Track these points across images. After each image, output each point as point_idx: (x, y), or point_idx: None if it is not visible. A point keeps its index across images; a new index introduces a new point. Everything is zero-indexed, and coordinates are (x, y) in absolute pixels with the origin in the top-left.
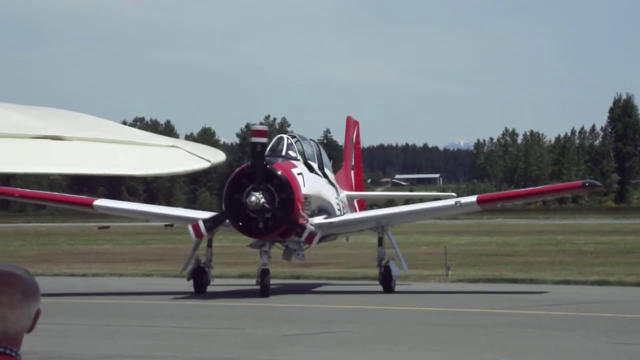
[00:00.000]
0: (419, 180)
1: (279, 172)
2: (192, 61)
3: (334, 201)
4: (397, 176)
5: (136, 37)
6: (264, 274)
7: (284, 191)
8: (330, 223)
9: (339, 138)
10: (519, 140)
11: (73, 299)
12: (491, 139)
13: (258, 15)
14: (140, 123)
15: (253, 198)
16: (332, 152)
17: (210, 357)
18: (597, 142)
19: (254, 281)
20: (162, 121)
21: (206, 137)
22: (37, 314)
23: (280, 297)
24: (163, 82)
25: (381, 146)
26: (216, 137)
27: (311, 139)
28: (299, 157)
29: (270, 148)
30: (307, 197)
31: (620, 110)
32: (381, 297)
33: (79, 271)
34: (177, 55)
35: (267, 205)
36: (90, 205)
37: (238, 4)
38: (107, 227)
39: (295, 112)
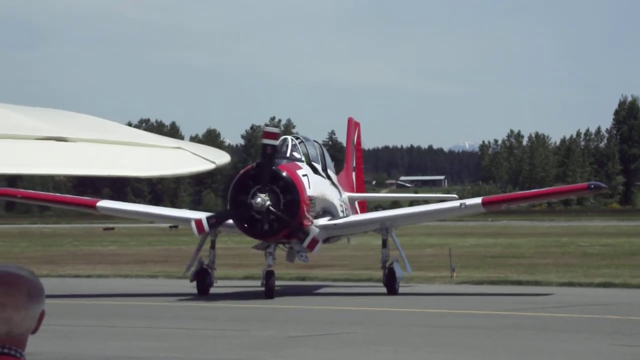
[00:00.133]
0: (424, 182)
1: (284, 174)
2: (197, 63)
3: (337, 203)
4: (402, 178)
5: (142, 38)
6: (269, 276)
7: (289, 193)
8: (335, 224)
9: (344, 139)
10: (524, 142)
11: (78, 300)
12: (496, 140)
13: (261, 17)
14: (145, 124)
15: (259, 199)
16: (337, 154)
17: (216, 359)
18: (602, 144)
19: (258, 283)
20: (167, 122)
21: (211, 138)
22: (42, 315)
23: (285, 299)
24: (168, 84)
25: (386, 148)
26: (221, 138)
27: (314, 140)
28: (303, 158)
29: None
30: (312, 199)
31: (626, 112)
32: (385, 299)
33: (84, 272)
34: (182, 57)
35: (271, 208)
36: (93, 206)
37: (242, 5)
38: (112, 228)
39: (300, 113)
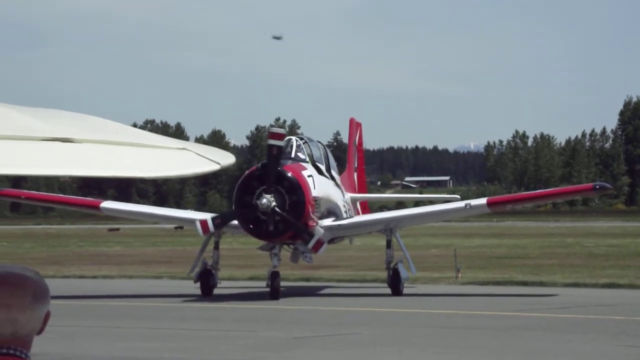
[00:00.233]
0: (429, 183)
1: (290, 174)
2: (202, 64)
3: (341, 203)
4: (407, 178)
5: (147, 40)
6: (274, 277)
7: (294, 193)
8: (340, 225)
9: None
10: (529, 142)
11: (83, 301)
12: (501, 141)
13: (266, 18)
14: (150, 125)
15: (264, 200)
16: (342, 155)
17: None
18: (607, 145)
19: (264, 283)
20: (172, 123)
21: (216, 139)
22: (47, 316)
23: (290, 300)
24: (173, 85)
25: (391, 148)
26: (226, 139)
27: (318, 141)
28: (307, 159)
29: None
30: (316, 200)
31: (631, 112)
32: (391, 300)
33: (89, 273)
34: (188, 58)
35: (277, 209)
36: (97, 207)
37: (247, 7)
38: (117, 229)
39: (305, 114)
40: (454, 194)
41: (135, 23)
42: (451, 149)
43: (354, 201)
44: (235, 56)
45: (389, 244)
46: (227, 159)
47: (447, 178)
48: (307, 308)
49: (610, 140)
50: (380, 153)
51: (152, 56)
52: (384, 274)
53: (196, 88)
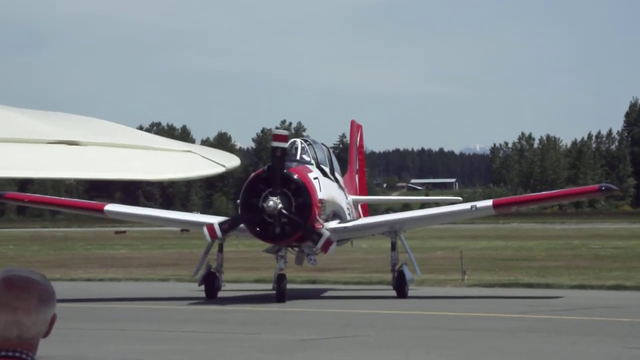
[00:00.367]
0: (435, 185)
1: (296, 176)
2: (208, 66)
3: (344, 206)
4: (413, 181)
5: (153, 43)
6: (281, 279)
7: (300, 196)
8: (345, 228)
9: None
10: (535, 144)
11: (89, 304)
12: (506, 143)
13: (272, 21)
14: (156, 128)
15: (271, 203)
16: (348, 157)
17: None
18: (613, 147)
19: (270, 286)
20: (178, 126)
21: (222, 142)
22: (53, 319)
23: (297, 302)
24: (179, 88)
25: (397, 151)
26: (232, 142)
27: (322, 143)
28: (312, 161)
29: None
30: (322, 202)
31: (637, 114)
32: (397, 302)
33: (96, 276)
34: (193, 61)
35: (284, 211)
36: (101, 210)
37: (253, 10)
38: (124, 232)
39: (311, 116)
40: (460, 196)
41: (142, 25)
42: (457, 151)
43: (355, 203)
44: (241, 58)
45: (393, 247)
46: (232, 161)
47: (453, 180)
48: (313, 310)
49: (616, 141)
50: (386, 155)
51: (159, 59)
52: (390, 277)
53: (202, 91)
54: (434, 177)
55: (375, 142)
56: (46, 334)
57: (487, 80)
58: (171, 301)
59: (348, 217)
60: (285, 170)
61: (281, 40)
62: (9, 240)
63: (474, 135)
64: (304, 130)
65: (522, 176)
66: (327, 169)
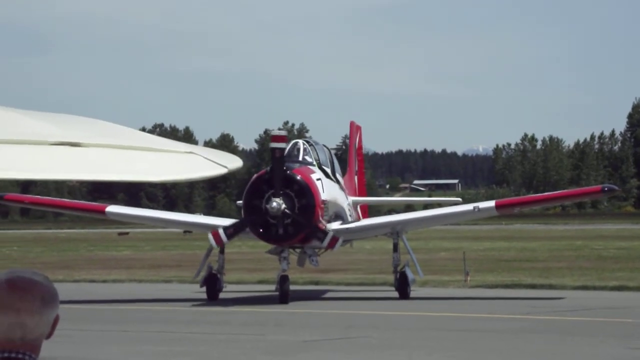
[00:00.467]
0: (438, 186)
1: (299, 177)
2: (211, 68)
3: (346, 207)
4: (416, 182)
5: (156, 43)
6: (283, 280)
7: (304, 197)
8: (347, 229)
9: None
10: (538, 145)
11: (92, 305)
12: (509, 144)
13: (275, 22)
14: (159, 129)
15: (274, 204)
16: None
17: None
18: (616, 147)
19: (273, 287)
20: (181, 127)
21: (225, 143)
22: (56, 320)
23: (300, 303)
24: (182, 89)
25: (400, 152)
26: (235, 143)
27: (323, 145)
28: (314, 162)
29: (287, 154)
30: (325, 203)
31: (639, 115)
32: (400, 303)
33: (99, 277)
34: (197, 62)
35: (287, 211)
36: (102, 212)
37: (255, 11)
38: (127, 233)
39: (313, 118)
40: (463, 197)
41: (144, 26)
42: (460, 152)
43: (354, 204)
44: (244, 59)
45: (395, 247)
46: (235, 162)
47: (455, 181)
48: (316, 311)
49: (619, 142)
50: (388, 156)
51: (162, 60)
52: (393, 278)
53: (205, 92)
54: (436, 178)
55: (378, 143)
56: (49, 336)
57: (490, 81)
58: (174, 302)
59: (349, 218)
60: (288, 172)
61: (284, 40)
62: (13, 241)
63: (477, 136)
64: (307, 131)
65: (524, 177)
66: (328, 170)
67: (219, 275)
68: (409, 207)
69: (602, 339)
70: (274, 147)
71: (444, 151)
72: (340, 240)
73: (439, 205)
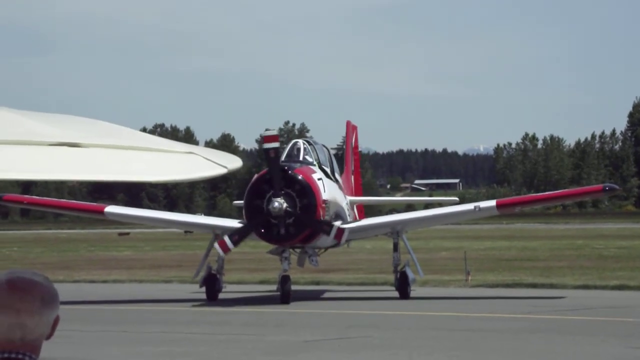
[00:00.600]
0: (439, 186)
1: (300, 177)
2: (211, 68)
3: (345, 207)
4: (417, 181)
5: (156, 44)
6: (285, 281)
7: (305, 196)
8: (348, 229)
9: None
10: (539, 145)
11: (93, 305)
12: (510, 143)
13: (276, 22)
14: (160, 130)
15: (276, 204)
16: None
17: None
18: (617, 147)
19: (274, 287)
20: (181, 127)
21: (226, 143)
22: (56, 321)
23: (300, 303)
24: (183, 89)
25: (400, 151)
26: (236, 143)
27: (323, 144)
28: (314, 162)
29: (287, 154)
30: (326, 202)
31: None
32: (401, 303)
33: (99, 278)
34: (197, 62)
35: (290, 209)
36: (101, 212)
37: (257, 11)
38: (127, 233)
39: (314, 117)
40: (463, 196)
41: (145, 26)
42: (461, 152)
43: (351, 204)
44: (244, 59)
45: (395, 247)
46: (234, 162)
47: (456, 181)
48: (316, 311)
49: (620, 142)
50: (389, 156)
51: (162, 60)
52: (393, 277)
53: (205, 92)
54: (437, 178)
55: (379, 143)
56: (49, 336)
57: (490, 81)
58: (174, 303)
59: (348, 219)
60: (290, 172)
61: (284, 40)
62: (13, 242)
63: (478, 135)
64: (307, 131)
65: (525, 176)
66: (328, 170)
67: (218, 276)
68: (410, 207)
69: (603, 338)
70: (267, 147)
71: (444, 151)
72: (346, 233)
73: (439, 205)
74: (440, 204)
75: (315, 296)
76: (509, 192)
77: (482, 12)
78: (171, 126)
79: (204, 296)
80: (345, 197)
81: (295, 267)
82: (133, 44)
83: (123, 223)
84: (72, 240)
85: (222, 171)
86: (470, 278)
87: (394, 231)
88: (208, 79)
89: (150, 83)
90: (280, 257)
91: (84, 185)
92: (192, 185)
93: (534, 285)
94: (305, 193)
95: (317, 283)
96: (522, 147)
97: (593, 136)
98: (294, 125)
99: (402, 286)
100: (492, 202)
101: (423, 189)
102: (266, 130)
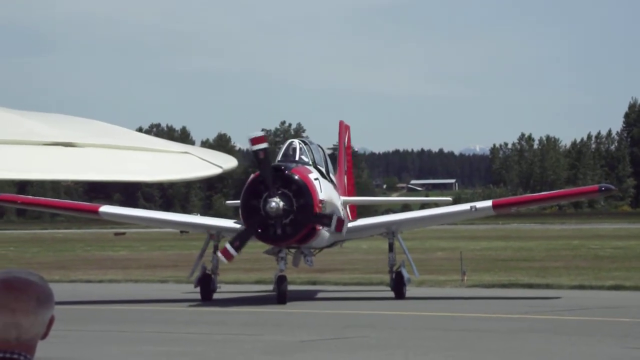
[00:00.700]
0: (435, 186)
1: (297, 177)
2: (208, 68)
3: (340, 207)
4: (413, 181)
5: (153, 44)
6: (281, 281)
7: (302, 196)
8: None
9: (354, 143)
10: (535, 145)
11: (89, 305)
12: (506, 143)
13: (272, 21)
14: (156, 129)
15: (273, 204)
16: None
17: None
18: (613, 147)
19: (270, 287)
20: (178, 127)
21: (222, 143)
22: (52, 320)
23: (297, 303)
24: (179, 89)
25: (397, 151)
26: (232, 143)
27: (318, 144)
28: (310, 162)
29: (283, 153)
30: (323, 202)
31: (636, 114)
32: (397, 303)
33: (95, 278)
34: (193, 62)
35: (287, 207)
36: (96, 212)
37: (253, 10)
38: (123, 233)
39: (310, 117)
40: (459, 196)
41: (141, 26)
42: (457, 152)
43: (345, 204)
44: (241, 59)
45: (391, 248)
46: (230, 162)
47: (452, 181)
48: (313, 311)
49: (616, 142)
50: (385, 156)
51: (158, 59)
52: (389, 278)
53: (202, 92)
54: (433, 178)
55: (375, 142)
56: (44, 336)
57: (487, 81)
58: (171, 303)
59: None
60: (287, 171)
61: (281, 40)
62: (9, 242)
63: (474, 135)
64: (304, 131)
65: (522, 177)
66: (323, 170)
67: (213, 276)
68: (406, 207)
69: (599, 338)
70: (255, 149)
71: (441, 151)
72: (346, 223)
73: (436, 205)
74: (436, 204)
75: (311, 296)
76: (505, 192)
77: (480, 12)
78: (167, 126)
79: (199, 296)
80: (339, 197)
81: (291, 267)
82: (129, 44)
83: (118, 223)
84: (68, 240)
85: (217, 171)
86: (466, 278)
87: (390, 231)
88: (205, 78)
89: (147, 83)
90: (277, 257)
91: (80, 185)
92: (188, 185)
93: (529, 286)
94: (302, 193)
95: (314, 283)
96: (518, 147)
97: (589, 136)
98: (290, 125)
99: (398, 286)
100: (489, 203)
101: (419, 189)
102: (255, 132)
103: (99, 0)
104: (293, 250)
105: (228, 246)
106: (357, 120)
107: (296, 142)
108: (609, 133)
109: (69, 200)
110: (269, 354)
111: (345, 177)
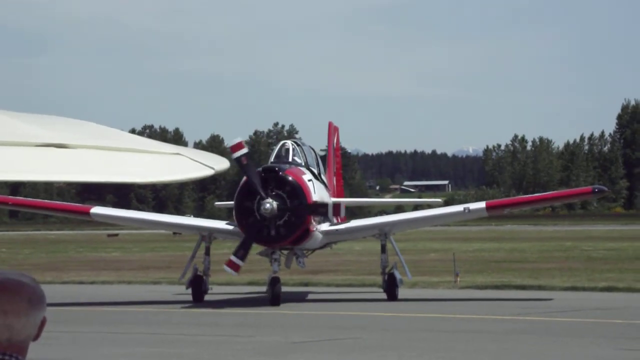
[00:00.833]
0: (428, 187)
1: (290, 178)
2: (201, 69)
3: (331, 208)
4: (406, 183)
5: (146, 45)
6: (274, 282)
7: (296, 197)
8: (337, 230)
9: (347, 145)
10: (528, 146)
11: (82, 307)
12: (499, 145)
13: (265, 24)
14: (149, 131)
15: (267, 205)
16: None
17: None
18: (605, 149)
19: (263, 289)
20: (170, 129)
21: (215, 144)
22: (43, 322)
23: (289, 305)
24: (172, 91)
25: (390, 153)
26: (225, 144)
27: (310, 146)
28: (302, 163)
29: (276, 154)
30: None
31: (629, 116)
32: (390, 304)
33: (88, 279)
34: (186, 64)
35: (282, 207)
36: (87, 213)
37: (245, 12)
38: (116, 234)
39: (303, 119)
40: (452, 198)
41: (134, 29)
42: (450, 153)
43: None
44: (233, 61)
45: (383, 249)
46: (222, 163)
47: (445, 182)
48: (305, 313)
49: (609, 144)
50: (378, 157)
51: (150, 61)
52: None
53: (194, 93)
54: (426, 179)
55: (368, 144)
56: (36, 337)
57: (480, 82)
58: (163, 304)
59: (334, 220)
60: (280, 173)
61: (274, 42)
62: (2, 243)
63: (467, 137)
64: (296, 132)
65: (514, 178)
66: (315, 171)
67: (204, 277)
68: (399, 208)
69: (592, 339)
70: (237, 157)
71: (434, 152)
72: (342, 207)
73: (429, 206)
74: (429, 206)
75: (304, 298)
76: (498, 193)
77: (472, 15)
78: (160, 127)
79: (190, 297)
80: (330, 198)
81: (284, 269)
82: (122, 46)
83: (110, 224)
84: (61, 242)
85: (209, 172)
86: (459, 279)
87: (382, 233)
88: (198, 80)
89: (140, 84)
90: (270, 259)
91: (73, 186)
92: (181, 187)
93: (522, 287)
94: (297, 194)
95: (307, 284)
96: (511, 148)
97: (582, 138)
98: (283, 126)
99: (390, 288)
100: (482, 204)
101: (412, 190)
102: (234, 140)
103: (92, 2)
104: (286, 252)
105: (233, 258)
106: (350, 121)
107: (289, 143)
108: (602, 134)
109: (61, 201)
110: (262, 355)
111: (335, 178)
